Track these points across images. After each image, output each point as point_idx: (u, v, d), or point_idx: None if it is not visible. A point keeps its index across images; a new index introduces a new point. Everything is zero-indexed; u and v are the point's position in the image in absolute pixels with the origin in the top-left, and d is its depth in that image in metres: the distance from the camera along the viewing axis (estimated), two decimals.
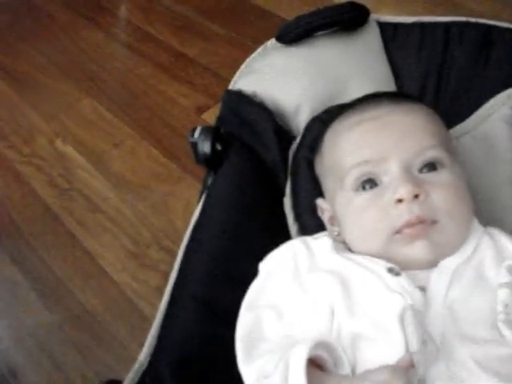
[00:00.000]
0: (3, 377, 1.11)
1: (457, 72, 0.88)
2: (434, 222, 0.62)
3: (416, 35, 0.90)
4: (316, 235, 0.71)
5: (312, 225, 0.77)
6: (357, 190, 0.66)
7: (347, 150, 0.69)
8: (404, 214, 0.62)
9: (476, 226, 0.67)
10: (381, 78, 0.87)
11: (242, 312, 0.65)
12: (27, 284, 1.22)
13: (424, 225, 0.62)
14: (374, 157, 0.66)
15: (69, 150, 1.48)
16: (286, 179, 0.83)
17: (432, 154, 0.66)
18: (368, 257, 0.64)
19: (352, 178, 0.66)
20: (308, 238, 0.70)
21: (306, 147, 0.81)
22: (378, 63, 0.89)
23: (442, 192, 0.63)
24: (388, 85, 0.87)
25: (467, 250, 0.64)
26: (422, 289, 0.60)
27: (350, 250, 0.68)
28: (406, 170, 0.64)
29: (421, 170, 0.65)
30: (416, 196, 0.62)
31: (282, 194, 0.82)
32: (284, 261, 0.67)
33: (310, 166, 0.79)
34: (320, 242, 0.68)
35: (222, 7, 1.85)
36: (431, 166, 0.65)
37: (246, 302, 0.66)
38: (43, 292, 1.21)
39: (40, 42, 1.86)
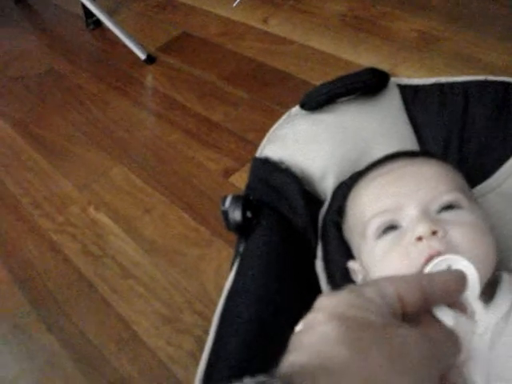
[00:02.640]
0: None
1: (478, 131, 0.89)
2: None
3: (436, 96, 0.92)
4: None
5: (345, 286, 0.76)
6: (378, 237, 0.68)
7: (366, 204, 0.72)
8: (424, 250, 0.63)
9: (506, 278, 0.67)
10: (404, 140, 0.89)
11: None
12: (64, 352, 1.24)
13: None
14: (393, 206, 0.68)
15: (101, 217, 1.52)
16: (316, 242, 0.84)
17: (449, 197, 0.68)
18: None
19: (373, 227, 0.69)
20: None
21: (334, 212, 0.83)
22: (400, 126, 0.91)
23: (461, 229, 0.64)
24: (411, 146, 0.89)
25: (504, 304, 0.64)
26: None
27: None
28: (424, 212, 0.66)
29: (439, 212, 0.67)
30: (434, 233, 0.63)
31: (314, 257, 0.83)
32: None
33: (339, 229, 0.81)
34: None
35: (244, 72, 1.90)
36: (449, 208, 0.67)
37: None
38: (79, 359, 1.22)
39: (71, 113, 1.93)
